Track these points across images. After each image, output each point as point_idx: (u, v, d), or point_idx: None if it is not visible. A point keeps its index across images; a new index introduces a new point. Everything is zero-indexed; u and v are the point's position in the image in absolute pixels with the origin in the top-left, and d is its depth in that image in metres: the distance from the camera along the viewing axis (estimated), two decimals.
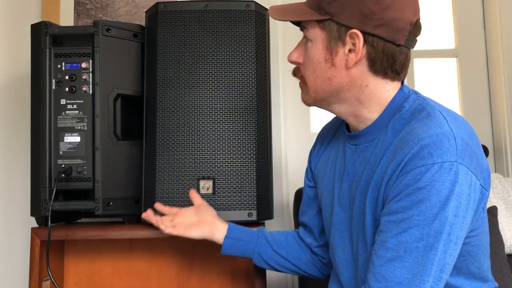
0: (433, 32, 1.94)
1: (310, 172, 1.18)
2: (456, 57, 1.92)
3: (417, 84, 1.91)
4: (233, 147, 1.31)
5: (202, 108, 1.32)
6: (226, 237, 1.18)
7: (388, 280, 0.80)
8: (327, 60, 0.92)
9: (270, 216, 1.36)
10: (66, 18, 1.78)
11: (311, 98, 0.98)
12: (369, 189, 0.89)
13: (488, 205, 1.49)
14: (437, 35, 1.94)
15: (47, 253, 1.23)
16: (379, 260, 0.81)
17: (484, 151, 1.85)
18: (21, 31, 1.76)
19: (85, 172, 1.33)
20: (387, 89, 0.93)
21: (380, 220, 0.85)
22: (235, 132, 1.32)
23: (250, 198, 1.30)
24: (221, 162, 1.31)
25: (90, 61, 1.35)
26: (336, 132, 1.10)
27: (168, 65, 1.34)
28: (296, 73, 1.00)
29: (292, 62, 0.99)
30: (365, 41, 0.89)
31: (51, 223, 1.25)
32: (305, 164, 1.22)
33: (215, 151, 1.31)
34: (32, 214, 1.36)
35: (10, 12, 1.79)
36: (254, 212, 1.29)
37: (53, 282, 1.22)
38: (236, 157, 1.31)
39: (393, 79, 0.93)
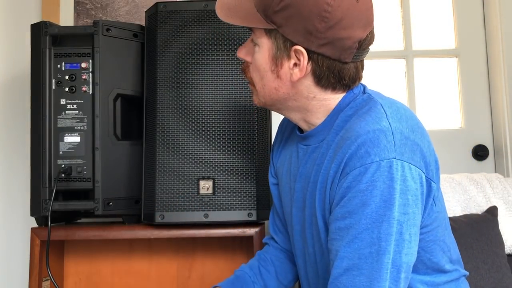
0: (433, 32, 1.94)
1: (273, 167, 1.14)
2: (456, 57, 1.92)
3: (417, 84, 1.91)
4: (233, 147, 1.31)
5: (202, 108, 1.32)
6: None
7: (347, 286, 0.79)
8: (273, 70, 0.90)
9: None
10: (66, 18, 1.78)
11: (261, 102, 0.96)
12: (316, 191, 0.89)
13: (488, 205, 1.49)
14: (437, 35, 1.94)
15: (47, 253, 1.23)
16: (337, 270, 0.80)
17: (484, 151, 1.85)
18: (21, 31, 1.76)
19: (85, 172, 1.33)
20: (337, 97, 0.91)
21: (330, 226, 0.84)
22: (235, 132, 1.32)
23: (250, 198, 1.29)
24: (221, 162, 1.31)
25: (90, 61, 1.35)
26: (293, 130, 1.06)
27: (168, 65, 1.34)
28: (245, 71, 0.97)
29: (241, 58, 0.97)
30: (309, 58, 0.86)
31: (51, 223, 1.25)
32: None
33: (215, 151, 1.31)
34: (32, 214, 1.36)
35: (10, 12, 1.79)
36: (254, 212, 1.29)
37: (53, 282, 1.22)
38: (236, 157, 1.31)
39: (344, 90, 0.91)
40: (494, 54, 1.86)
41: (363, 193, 0.77)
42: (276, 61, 0.89)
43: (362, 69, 0.92)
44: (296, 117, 0.96)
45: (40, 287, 1.34)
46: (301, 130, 0.99)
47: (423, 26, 1.93)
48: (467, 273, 0.99)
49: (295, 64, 0.87)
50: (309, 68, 0.87)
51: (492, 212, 1.47)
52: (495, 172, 1.86)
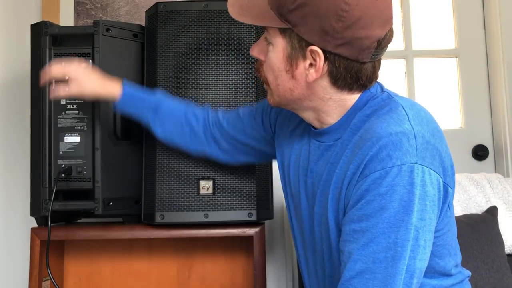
0: (433, 32, 1.94)
1: (269, 120, 1.12)
2: (456, 57, 1.92)
3: (417, 84, 1.91)
4: None
5: (200, 106, 1.32)
6: (124, 90, 1.19)
7: None
8: (288, 71, 0.87)
9: (270, 216, 1.36)
10: (66, 18, 1.78)
11: (275, 102, 0.94)
12: (329, 190, 0.87)
13: (488, 205, 1.50)
14: (437, 35, 1.94)
15: (47, 253, 1.23)
16: (350, 272, 0.79)
17: (484, 151, 1.85)
18: (21, 31, 1.76)
19: (85, 172, 1.33)
20: (353, 97, 0.89)
21: (343, 227, 0.82)
22: None
23: (250, 198, 1.29)
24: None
25: (90, 61, 1.35)
26: (300, 122, 1.02)
27: (168, 65, 1.34)
28: (259, 70, 0.94)
29: (254, 57, 0.95)
30: (326, 58, 0.83)
31: (51, 223, 1.25)
32: None
33: None
34: (32, 214, 1.36)
35: (10, 12, 1.79)
36: (254, 212, 1.29)
37: (53, 282, 1.22)
38: None
39: (360, 90, 0.89)
40: (494, 54, 1.86)
41: (383, 197, 0.76)
42: (291, 61, 0.86)
43: (379, 67, 0.89)
44: (310, 117, 0.93)
45: (40, 287, 1.34)
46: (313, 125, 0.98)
47: (423, 26, 1.93)
48: (470, 273, 0.99)
49: (310, 65, 0.85)
50: (325, 68, 0.84)
51: (492, 212, 1.47)
52: (495, 172, 1.86)
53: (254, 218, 1.29)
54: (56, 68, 1.19)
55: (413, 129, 0.79)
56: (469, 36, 1.91)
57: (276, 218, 1.64)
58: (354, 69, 0.84)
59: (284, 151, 1.05)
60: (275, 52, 0.88)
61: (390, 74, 1.93)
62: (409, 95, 1.90)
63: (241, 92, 1.33)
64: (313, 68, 0.85)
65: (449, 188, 0.83)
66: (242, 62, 1.33)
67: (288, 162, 1.03)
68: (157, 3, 1.37)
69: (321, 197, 0.90)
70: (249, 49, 1.32)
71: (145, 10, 1.45)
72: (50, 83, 1.27)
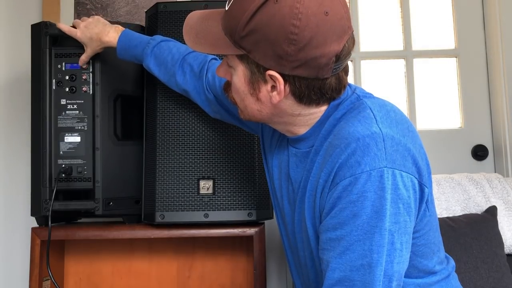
0: (433, 32, 1.94)
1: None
2: (456, 57, 1.92)
3: (417, 84, 1.91)
4: (233, 147, 1.31)
5: (202, 108, 1.32)
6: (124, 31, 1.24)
7: None
8: (252, 94, 0.86)
9: (270, 216, 1.36)
10: (66, 18, 1.78)
11: (246, 118, 0.93)
12: (305, 198, 0.87)
13: (488, 205, 1.50)
14: (437, 35, 1.94)
15: (47, 253, 1.23)
16: (329, 281, 0.79)
17: (484, 151, 1.85)
18: (21, 31, 1.76)
19: (85, 172, 1.33)
20: (323, 109, 0.88)
21: (320, 236, 0.82)
22: (235, 132, 1.32)
23: (250, 198, 1.30)
24: (221, 162, 1.31)
25: (90, 61, 1.35)
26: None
27: None
28: (226, 91, 0.94)
29: (221, 77, 0.94)
30: (286, 81, 0.82)
31: (51, 223, 1.25)
32: None
33: (215, 151, 1.31)
34: (32, 214, 1.36)
35: (10, 12, 1.79)
36: (254, 212, 1.29)
37: (53, 282, 1.22)
38: (236, 157, 1.31)
39: (328, 102, 0.87)
40: (494, 54, 1.86)
41: (354, 204, 0.75)
42: (253, 85, 0.85)
43: (346, 75, 0.87)
44: (282, 129, 0.93)
45: (40, 287, 1.34)
46: None
47: (422, 26, 1.93)
48: (454, 264, 0.99)
49: (272, 87, 0.83)
50: (288, 89, 0.83)
51: (491, 212, 1.47)
52: (495, 172, 1.86)
53: (254, 218, 1.29)
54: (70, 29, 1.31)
55: (381, 131, 0.78)
56: (468, 36, 1.91)
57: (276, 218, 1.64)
58: (316, 86, 0.83)
59: (267, 156, 1.06)
60: (237, 76, 0.86)
61: (389, 75, 1.93)
62: (408, 95, 1.90)
63: None
64: (275, 90, 0.83)
65: (425, 188, 0.82)
66: None
67: (271, 167, 1.03)
68: (157, 3, 1.37)
69: (300, 204, 0.90)
70: None
71: (145, 10, 1.45)
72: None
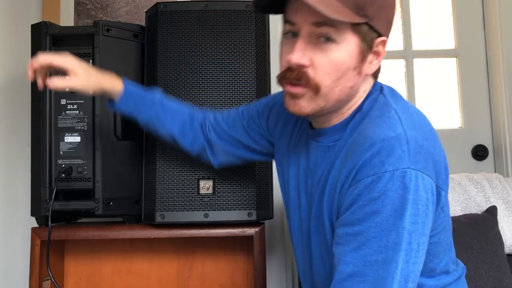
0: (432, 32, 1.94)
1: (266, 122, 1.10)
2: (456, 57, 1.92)
3: (417, 84, 1.91)
4: None
5: (202, 108, 1.32)
6: (125, 86, 1.14)
7: None
8: (356, 67, 0.83)
9: (270, 216, 1.36)
10: (66, 18, 1.78)
11: (317, 106, 0.85)
12: (325, 192, 0.87)
13: (488, 205, 1.50)
14: (437, 35, 1.94)
15: (47, 253, 1.23)
16: (341, 275, 0.78)
17: (484, 151, 1.85)
18: (21, 31, 1.76)
19: (85, 172, 1.33)
20: (364, 94, 0.90)
21: (336, 230, 0.82)
22: None
23: (250, 198, 1.30)
24: None
25: (90, 61, 1.35)
26: (298, 120, 1.02)
27: (168, 65, 1.34)
28: (302, 77, 0.83)
29: (296, 65, 0.83)
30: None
31: (51, 223, 1.25)
32: None
33: None
34: (32, 214, 1.36)
35: (10, 12, 1.79)
36: (254, 212, 1.29)
37: (53, 282, 1.22)
38: None
39: (374, 80, 0.91)
40: (494, 54, 1.86)
41: (375, 202, 0.76)
42: (363, 56, 0.83)
43: None
44: (324, 119, 0.90)
45: (40, 287, 1.34)
46: (310, 125, 0.96)
47: (422, 26, 1.93)
48: (464, 267, 1.00)
49: (376, 54, 0.85)
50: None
51: (491, 212, 1.47)
52: (495, 172, 1.86)
53: (254, 218, 1.29)
54: (49, 59, 1.06)
55: (405, 133, 0.78)
56: (469, 36, 1.91)
57: (276, 218, 1.64)
58: None
59: (284, 154, 1.05)
60: (343, 49, 0.82)
61: (389, 74, 1.93)
62: (408, 95, 1.90)
63: (240, 92, 1.33)
64: (376, 60, 0.86)
65: (442, 191, 0.82)
66: (242, 62, 1.33)
67: (288, 163, 1.02)
68: (157, 3, 1.37)
69: (319, 197, 0.90)
70: (249, 49, 1.33)
71: (145, 10, 1.45)
72: (40, 77, 1.11)
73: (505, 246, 1.44)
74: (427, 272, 0.89)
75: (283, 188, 1.06)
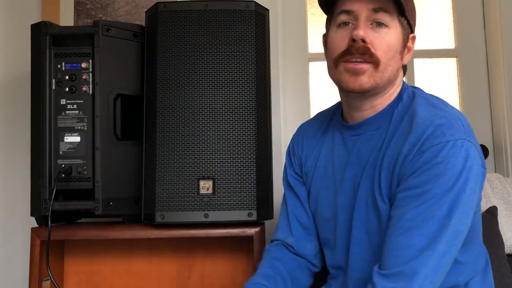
0: (433, 32, 1.94)
1: (297, 168, 1.17)
2: (456, 57, 1.92)
3: (417, 84, 1.91)
4: (233, 147, 1.31)
5: (202, 108, 1.32)
6: None
7: (406, 248, 0.84)
8: (400, 52, 0.97)
9: (270, 216, 1.36)
10: (66, 18, 1.78)
11: (375, 82, 0.95)
12: (381, 171, 0.94)
13: (488, 205, 1.49)
14: (437, 35, 1.94)
15: (47, 253, 1.23)
16: (397, 231, 0.86)
17: (484, 151, 1.85)
18: (21, 31, 1.76)
19: (85, 172, 1.33)
20: (399, 86, 1.04)
21: (397, 195, 0.89)
22: (235, 132, 1.32)
23: (250, 198, 1.30)
24: (221, 162, 1.31)
25: (90, 61, 1.35)
26: (326, 130, 1.13)
27: (168, 65, 1.34)
28: (368, 50, 0.93)
29: (361, 39, 0.93)
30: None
31: (51, 223, 1.25)
32: None
33: (215, 151, 1.31)
34: (32, 214, 1.36)
35: (10, 12, 1.79)
36: (254, 212, 1.29)
37: (53, 282, 1.22)
38: (236, 157, 1.31)
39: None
40: (494, 54, 1.86)
41: (438, 166, 0.85)
42: (404, 44, 0.98)
43: None
44: (373, 103, 1.00)
45: (40, 287, 1.34)
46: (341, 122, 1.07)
47: (422, 26, 1.93)
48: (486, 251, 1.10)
49: (409, 49, 1.00)
50: None
51: (492, 212, 1.46)
52: (495, 172, 1.86)
53: (254, 218, 1.29)
54: None
55: (456, 115, 0.91)
56: (469, 36, 1.91)
57: (276, 218, 1.64)
58: None
59: (310, 170, 1.13)
60: (393, 34, 0.95)
61: None
62: None
63: (240, 92, 1.33)
64: (409, 53, 1.00)
65: (484, 168, 0.92)
66: (242, 62, 1.33)
67: (314, 172, 1.11)
68: (157, 3, 1.37)
69: (366, 181, 0.96)
70: (249, 49, 1.33)
71: (145, 10, 1.45)
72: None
73: (505, 246, 1.43)
74: (472, 250, 0.98)
75: (313, 201, 1.11)
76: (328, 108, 1.19)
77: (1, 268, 1.71)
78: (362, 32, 0.93)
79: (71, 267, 1.56)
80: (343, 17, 0.96)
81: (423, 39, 1.93)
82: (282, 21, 1.85)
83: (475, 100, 1.89)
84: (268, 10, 1.42)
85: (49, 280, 1.38)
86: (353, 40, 0.93)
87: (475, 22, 1.91)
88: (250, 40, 1.34)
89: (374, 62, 0.94)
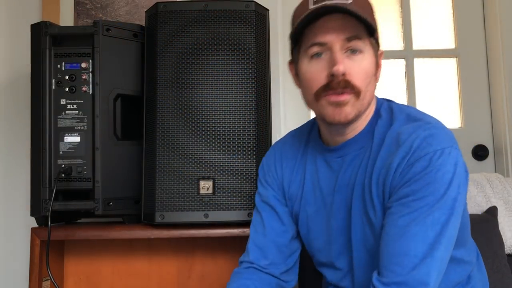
0: (433, 32, 1.94)
1: (278, 188, 1.12)
2: (456, 57, 1.92)
3: (417, 84, 1.91)
4: (233, 147, 1.31)
5: (202, 108, 1.32)
6: None
7: (403, 255, 0.85)
8: (374, 74, 0.97)
9: None
10: (66, 18, 1.78)
11: (357, 111, 0.95)
12: (371, 188, 0.94)
13: (488, 205, 1.49)
14: (437, 35, 1.94)
15: (47, 253, 1.23)
16: (392, 237, 0.87)
17: (484, 151, 1.85)
18: (21, 31, 1.76)
19: (85, 172, 1.33)
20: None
21: (388, 206, 0.90)
22: (235, 132, 1.32)
23: (250, 198, 1.30)
24: (221, 162, 1.31)
25: (90, 61, 1.35)
26: (304, 152, 1.10)
27: (168, 65, 1.34)
28: (347, 83, 0.92)
29: (343, 74, 0.92)
30: None
31: (51, 223, 1.25)
32: None
33: (215, 151, 1.31)
34: (32, 214, 1.36)
35: (10, 12, 1.79)
36: None
37: (53, 282, 1.22)
38: (236, 157, 1.31)
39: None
40: (494, 54, 1.86)
41: (429, 175, 0.86)
42: (377, 64, 0.98)
43: None
44: (354, 126, 0.99)
45: (40, 287, 1.34)
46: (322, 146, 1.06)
47: (423, 26, 1.93)
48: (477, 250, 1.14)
49: (379, 66, 1.00)
50: None
51: (492, 212, 1.47)
52: (495, 172, 1.86)
53: None
54: None
55: (437, 124, 0.93)
56: (469, 36, 1.91)
57: None
58: None
59: (293, 195, 1.10)
60: (366, 58, 0.95)
61: (390, 74, 1.93)
62: (408, 95, 1.90)
63: (240, 92, 1.33)
64: (379, 68, 1.00)
65: (467, 173, 0.94)
66: (242, 62, 1.33)
67: (299, 198, 1.09)
68: (157, 3, 1.37)
69: (359, 199, 0.97)
70: (249, 49, 1.33)
71: (145, 10, 1.45)
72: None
73: (505, 247, 1.43)
74: (464, 245, 1.00)
75: (304, 225, 1.09)
76: (300, 128, 1.16)
77: (1, 268, 1.71)
78: (342, 67, 0.91)
79: (71, 267, 1.56)
80: (315, 49, 0.94)
81: (423, 39, 1.93)
82: (282, 21, 1.85)
83: (475, 100, 1.89)
84: (268, 10, 1.42)
85: (49, 280, 1.38)
86: (332, 75, 0.92)
87: (475, 22, 1.91)
88: (250, 40, 1.34)
89: (356, 93, 0.93)
